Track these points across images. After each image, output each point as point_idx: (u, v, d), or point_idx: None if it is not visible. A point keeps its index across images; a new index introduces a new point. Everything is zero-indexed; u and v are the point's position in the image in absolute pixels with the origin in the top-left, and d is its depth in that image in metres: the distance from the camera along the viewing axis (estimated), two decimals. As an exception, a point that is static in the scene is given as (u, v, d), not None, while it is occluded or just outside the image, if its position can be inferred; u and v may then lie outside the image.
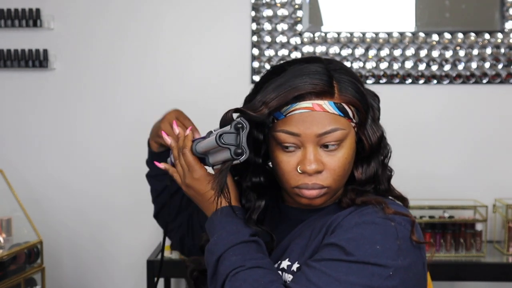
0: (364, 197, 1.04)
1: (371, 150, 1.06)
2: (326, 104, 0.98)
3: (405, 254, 0.95)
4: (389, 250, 0.94)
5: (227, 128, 0.97)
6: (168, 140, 1.14)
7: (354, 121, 1.02)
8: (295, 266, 1.01)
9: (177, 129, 1.13)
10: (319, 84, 0.98)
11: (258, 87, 1.06)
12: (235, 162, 0.97)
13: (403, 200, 1.12)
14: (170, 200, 1.30)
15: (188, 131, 1.11)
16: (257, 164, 1.06)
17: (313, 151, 0.99)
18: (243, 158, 0.95)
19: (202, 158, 1.08)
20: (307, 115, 0.98)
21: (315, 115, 0.98)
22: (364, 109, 1.03)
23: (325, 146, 0.99)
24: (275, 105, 0.97)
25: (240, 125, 0.95)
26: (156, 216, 1.39)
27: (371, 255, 0.92)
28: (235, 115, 1.02)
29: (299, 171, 0.99)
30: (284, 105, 0.98)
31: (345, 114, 1.00)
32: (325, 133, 0.98)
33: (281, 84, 0.99)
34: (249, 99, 1.08)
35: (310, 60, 1.05)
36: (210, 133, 1.06)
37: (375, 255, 0.92)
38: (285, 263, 1.03)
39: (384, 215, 0.98)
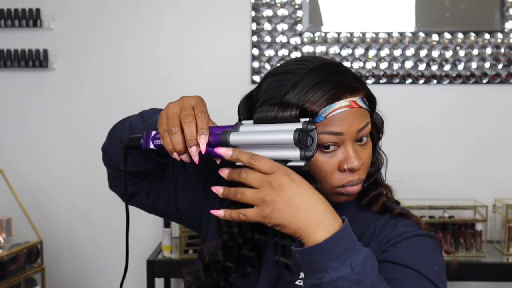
0: (401, 210, 1.08)
1: (378, 139, 1.09)
2: (358, 100, 1.00)
3: (444, 268, 1.05)
4: (442, 269, 1.03)
5: (294, 126, 0.88)
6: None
7: (370, 113, 1.05)
8: None
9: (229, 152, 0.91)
10: (350, 82, 1.00)
11: (272, 89, 1.01)
12: (293, 164, 0.89)
13: (381, 186, 1.13)
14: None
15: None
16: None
17: (353, 148, 1.00)
18: (306, 163, 0.89)
19: (215, 155, 0.92)
20: (346, 113, 0.98)
21: (353, 112, 0.99)
22: (374, 101, 1.06)
23: (358, 140, 1.01)
24: (324, 105, 0.96)
25: (314, 127, 0.90)
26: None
27: (435, 275, 1.00)
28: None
29: (346, 169, 0.99)
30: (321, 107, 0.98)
31: (368, 108, 1.03)
32: (363, 128, 1.00)
33: (318, 83, 0.97)
34: (269, 101, 1.00)
35: (315, 59, 1.04)
36: (238, 124, 0.93)
37: (437, 276, 1.01)
38: None
39: (427, 232, 1.04)
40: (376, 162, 1.10)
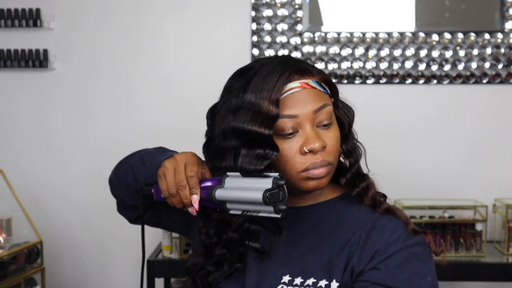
0: (389, 205, 1.07)
1: (349, 127, 1.09)
2: (311, 82, 1.02)
3: (435, 271, 1.04)
4: (434, 277, 1.02)
5: (265, 184, 0.96)
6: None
7: (332, 99, 1.06)
8: (322, 283, 1.03)
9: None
10: (300, 65, 1.02)
11: (231, 90, 1.07)
12: (271, 215, 0.97)
13: (368, 178, 1.12)
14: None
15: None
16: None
17: (313, 130, 1.00)
18: (282, 215, 0.96)
19: (213, 204, 1.05)
20: (298, 94, 1.00)
21: (306, 93, 1.00)
22: (335, 87, 1.07)
23: (320, 124, 1.02)
24: (277, 97, 0.98)
25: (283, 182, 0.95)
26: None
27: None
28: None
29: (306, 151, 0.99)
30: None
31: (326, 91, 1.04)
32: (320, 109, 1.00)
33: (269, 73, 1.00)
34: (226, 105, 1.06)
35: (269, 57, 1.08)
36: (224, 177, 1.02)
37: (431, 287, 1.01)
38: (310, 281, 1.03)
39: (415, 239, 1.03)
40: (353, 152, 1.09)
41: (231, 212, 1.02)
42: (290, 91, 0.99)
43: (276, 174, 0.96)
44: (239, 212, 1.01)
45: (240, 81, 1.04)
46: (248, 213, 1.00)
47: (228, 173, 1.03)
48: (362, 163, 1.12)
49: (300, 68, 1.01)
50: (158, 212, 1.26)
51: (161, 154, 1.13)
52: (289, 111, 0.99)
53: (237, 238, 1.06)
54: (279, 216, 0.96)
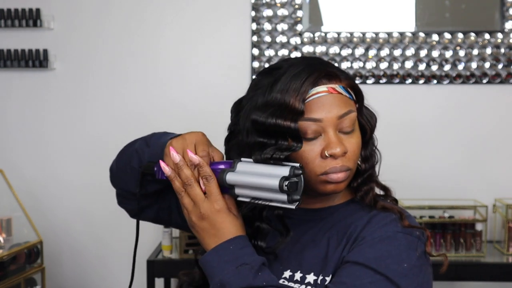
0: (384, 203, 1.07)
1: (371, 134, 1.09)
2: (338, 87, 1.02)
3: (424, 269, 1.01)
4: (414, 268, 0.99)
5: (281, 171, 0.95)
6: (168, 170, 1.02)
7: (356, 105, 1.06)
8: (319, 279, 1.03)
9: (194, 157, 1.01)
10: (329, 69, 1.02)
11: (258, 87, 1.05)
12: (284, 206, 0.96)
13: (387, 189, 1.13)
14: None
15: (199, 160, 1.02)
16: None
17: (335, 135, 1.01)
18: (297, 205, 0.95)
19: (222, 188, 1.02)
20: (324, 98, 1.00)
21: (332, 98, 1.01)
22: (360, 93, 1.07)
23: (342, 130, 1.02)
24: (303, 97, 0.98)
25: (300, 172, 0.95)
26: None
27: (400, 273, 0.97)
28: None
29: (327, 155, 1.00)
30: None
31: (352, 97, 1.04)
32: (344, 115, 1.01)
33: (297, 73, 1.00)
34: (252, 101, 1.05)
35: (297, 57, 1.08)
36: (237, 161, 1.01)
37: (404, 274, 0.97)
38: (310, 277, 1.04)
39: (403, 229, 1.02)
40: (370, 158, 1.09)
41: (239, 198, 1.00)
42: (317, 95, 1.00)
43: (297, 164, 0.95)
44: (248, 200, 0.99)
45: (268, 79, 1.03)
46: (256, 201, 0.98)
47: (241, 159, 1.02)
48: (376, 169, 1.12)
49: (328, 72, 1.02)
50: (169, 206, 1.24)
51: (166, 135, 1.11)
52: (314, 115, 1.00)
53: (250, 233, 1.07)
54: (293, 207, 0.95)
